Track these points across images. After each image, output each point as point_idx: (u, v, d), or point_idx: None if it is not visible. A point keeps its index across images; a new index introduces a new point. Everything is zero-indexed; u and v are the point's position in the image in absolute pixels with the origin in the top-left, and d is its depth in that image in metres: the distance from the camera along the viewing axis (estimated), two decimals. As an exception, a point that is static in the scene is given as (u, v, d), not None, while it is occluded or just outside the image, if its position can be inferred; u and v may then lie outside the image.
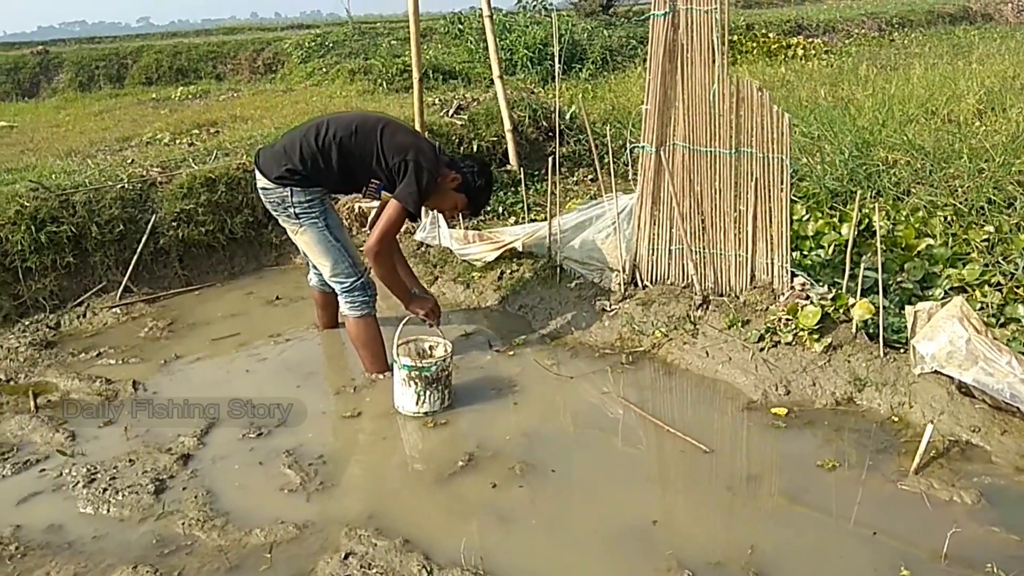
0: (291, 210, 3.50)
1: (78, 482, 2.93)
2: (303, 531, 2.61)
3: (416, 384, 3.27)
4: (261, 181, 3.54)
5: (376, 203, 3.88)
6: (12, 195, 4.72)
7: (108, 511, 2.78)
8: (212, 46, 14.01)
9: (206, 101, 10.21)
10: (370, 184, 3.55)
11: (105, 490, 2.87)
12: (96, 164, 5.59)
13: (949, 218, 4.34)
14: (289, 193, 3.47)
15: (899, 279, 3.80)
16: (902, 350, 3.26)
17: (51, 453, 3.18)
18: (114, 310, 4.64)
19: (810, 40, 13.17)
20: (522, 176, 5.22)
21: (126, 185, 5.10)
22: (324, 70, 11.38)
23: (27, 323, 4.43)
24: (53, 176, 5.19)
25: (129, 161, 5.68)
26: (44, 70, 13.33)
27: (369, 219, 5.30)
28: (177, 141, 6.76)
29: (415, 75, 5.34)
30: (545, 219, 4.55)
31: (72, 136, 7.78)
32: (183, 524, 2.67)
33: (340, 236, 3.59)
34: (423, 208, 3.93)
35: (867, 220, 4.23)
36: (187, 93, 11.01)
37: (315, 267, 3.97)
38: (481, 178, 3.70)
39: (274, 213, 3.60)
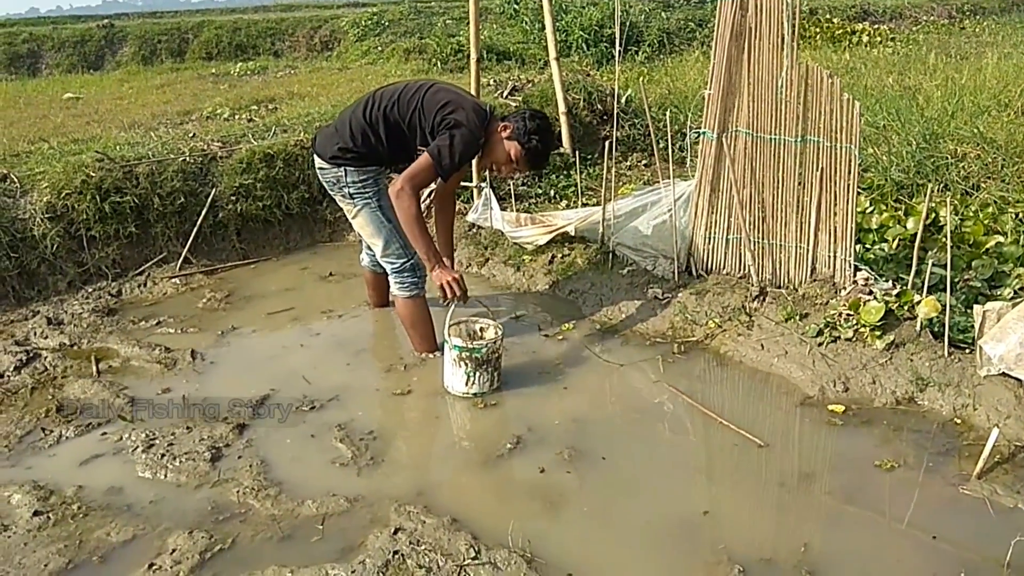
0: (346, 190, 3.53)
1: (137, 447, 3.02)
2: (354, 504, 2.65)
3: (466, 365, 3.28)
4: (317, 162, 3.59)
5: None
6: (79, 165, 4.84)
7: (166, 476, 2.86)
8: (271, 23, 14.19)
9: (264, 77, 10.34)
10: (417, 151, 3.43)
11: (163, 456, 2.95)
12: (158, 137, 5.71)
13: (1021, 215, 4.17)
14: (343, 173, 3.50)
15: (966, 277, 3.66)
16: (968, 351, 3.15)
17: (112, 417, 3.27)
18: (173, 280, 4.75)
19: (876, 26, 12.77)
20: (576, 159, 5.18)
21: (187, 158, 5.20)
22: (379, 48, 11.44)
23: (90, 290, 4.57)
24: (117, 148, 5.31)
25: (190, 135, 5.79)
26: (109, 43, 13.66)
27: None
28: (236, 116, 6.86)
29: (472, 55, 5.31)
30: (598, 203, 4.50)
31: (135, 109, 7.96)
32: (238, 492, 2.73)
33: (392, 217, 3.56)
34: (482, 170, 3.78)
35: (934, 214, 4.10)
36: (246, 69, 11.17)
37: (367, 247, 4.00)
38: (534, 122, 3.44)
39: (331, 192, 3.64)
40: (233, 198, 5.15)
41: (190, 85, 9.96)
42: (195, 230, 4.97)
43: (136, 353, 3.85)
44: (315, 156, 3.60)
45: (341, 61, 11.67)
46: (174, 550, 2.46)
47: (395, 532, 2.48)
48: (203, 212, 5.02)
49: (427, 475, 2.87)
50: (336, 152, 3.49)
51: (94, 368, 3.69)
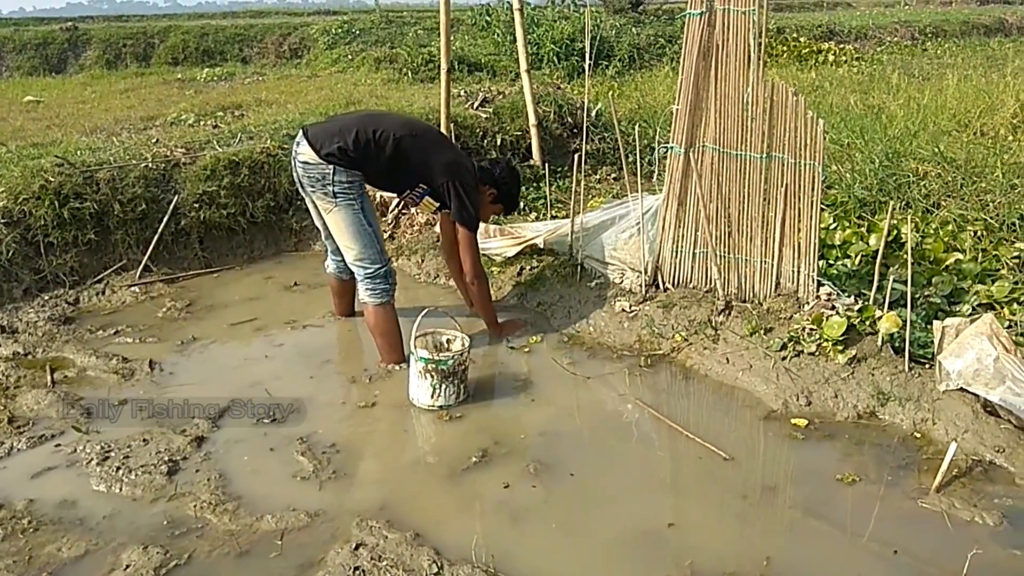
0: (330, 188, 3.49)
1: (92, 459, 2.94)
2: (314, 519, 2.60)
3: (432, 377, 3.25)
4: (305, 155, 3.51)
5: (413, 208, 3.95)
6: (37, 170, 4.74)
7: (121, 489, 2.78)
8: (239, 29, 14.05)
9: (231, 83, 10.23)
10: (416, 188, 3.71)
11: (118, 468, 2.88)
12: (121, 142, 5.60)
13: (979, 233, 4.26)
14: (332, 171, 3.47)
15: (926, 293, 3.73)
16: (928, 366, 3.20)
17: (66, 429, 3.18)
18: (133, 289, 4.65)
19: (841, 46, 13.01)
20: (545, 172, 5.19)
21: (150, 164, 5.11)
22: (350, 57, 11.38)
23: (47, 298, 4.45)
24: (78, 152, 5.20)
25: (154, 140, 5.69)
26: (72, 46, 13.42)
27: (391, 206, 5.30)
28: (201, 123, 6.76)
29: (443, 66, 5.31)
30: (567, 216, 4.51)
31: (97, 113, 7.81)
32: (195, 507, 2.67)
33: (372, 221, 3.61)
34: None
35: (896, 231, 4.17)
36: (213, 75, 11.04)
37: (334, 253, 3.96)
38: (514, 187, 4.01)
39: (310, 189, 3.57)
40: (196, 205, 5.06)
41: (155, 90, 9.81)
42: (156, 237, 4.88)
43: (93, 363, 3.76)
44: (304, 148, 3.51)
45: (311, 69, 11.58)
46: (128, 566, 2.39)
47: (356, 548, 2.44)
48: (165, 219, 4.93)
49: (390, 489, 2.82)
50: (334, 151, 3.46)
51: (49, 378, 3.59)
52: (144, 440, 3.07)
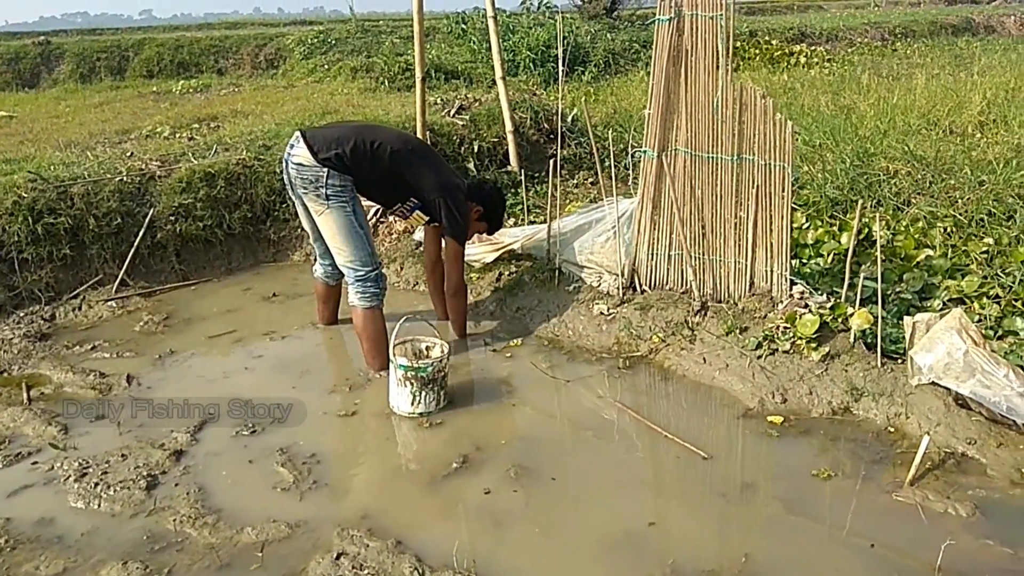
0: (323, 191, 3.52)
1: (69, 476, 2.92)
2: (295, 530, 2.60)
3: (412, 384, 3.26)
4: (301, 157, 3.53)
5: (400, 220, 4.00)
6: (10, 185, 4.70)
7: (99, 506, 2.76)
8: (214, 40, 13.97)
9: (207, 95, 10.17)
10: (408, 201, 3.78)
11: (97, 485, 2.86)
12: (95, 156, 5.57)
13: (949, 229, 4.33)
14: (325, 174, 3.51)
15: (898, 289, 3.79)
16: (900, 361, 3.25)
17: (43, 446, 3.16)
18: (110, 303, 4.62)
19: (813, 48, 13.15)
20: (522, 178, 5.21)
21: (124, 178, 5.08)
22: (326, 67, 11.35)
23: (22, 314, 4.41)
24: (51, 167, 5.16)
25: (128, 154, 5.66)
26: (45, 60, 13.27)
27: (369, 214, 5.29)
28: (177, 135, 6.73)
29: (418, 74, 5.32)
30: (544, 221, 4.54)
31: (71, 127, 7.74)
32: (175, 521, 2.66)
33: (364, 224, 3.66)
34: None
35: (867, 230, 4.23)
36: (188, 87, 10.97)
37: (323, 257, 3.97)
38: (499, 208, 4.11)
39: (301, 191, 3.58)
40: (172, 218, 5.04)
41: (130, 103, 9.73)
42: (132, 251, 4.85)
43: (70, 379, 3.73)
44: (300, 150, 3.53)
45: (287, 79, 11.54)
46: (107, 582, 2.38)
47: (338, 557, 2.44)
48: (141, 233, 4.90)
49: (371, 498, 2.83)
50: (331, 156, 3.51)
51: (25, 395, 3.56)
52: (122, 455, 3.05)
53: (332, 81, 10.43)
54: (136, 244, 4.88)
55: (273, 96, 9.22)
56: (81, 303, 4.61)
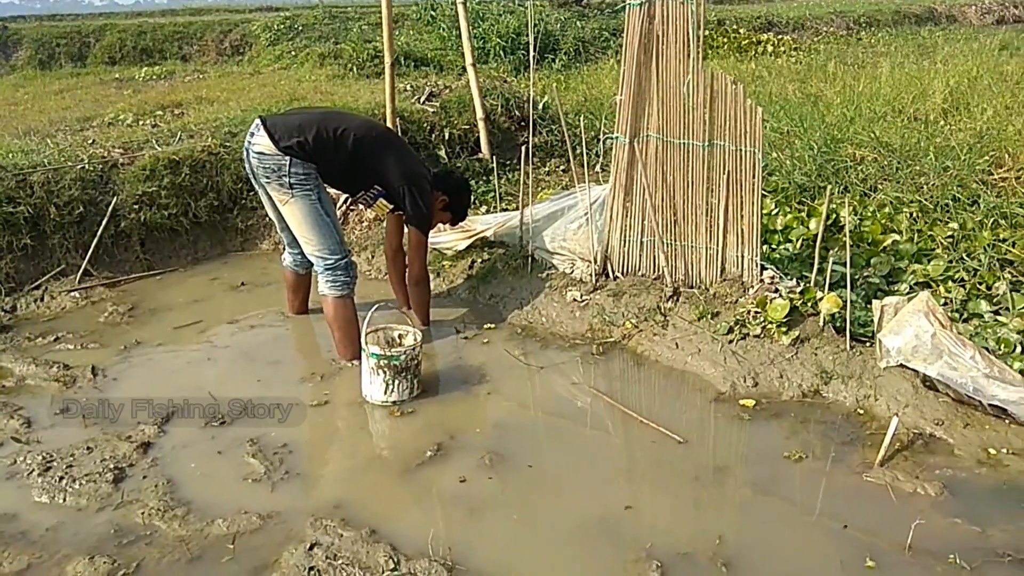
0: (285, 179, 3.45)
1: (33, 470, 2.85)
2: (267, 521, 2.56)
3: (385, 373, 3.23)
4: (262, 145, 3.45)
5: (366, 208, 3.95)
6: (-34, 174, 4.56)
7: (64, 500, 2.70)
8: (178, 27, 13.68)
9: (171, 82, 9.97)
10: (371, 189, 3.71)
11: (62, 478, 2.79)
12: (56, 144, 5.41)
13: (915, 214, 4.40)
14: (288, 162, 3.43)
15: (865, 274, 3.84)
16: (868, 344, 3.30)
17: (5, 440, 3.08)
18: (73, 294, 4.51)
19: (780, 37, 13.26)
20: (494, 165, 5.19)
21: (86, 166, 4.96)
22: (293, 53, 11.18)
23: (-19, 306, 4.29)
24: (10, 155, 5.01)
25: (90, 141, 5.51)
26: (2, 46, 12.91)
27: (339, 202, 5.23)
28: (140, 122, 6.57)
29: (387, 60, 5.26)
30: (517, 208, 4.52)
31: (31, 115, 7.53)
32: (143, 514, 2.61)
33: (331, 211, 3.59)
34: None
35: (835, 215, 4.27)
36: (151, 74, 10.74)
37: (291, 246, 3.91)
38: (465, 198, 4.09)
39: (264, 180, 3.51)
40: (136, 207, 4.93)
41: (92, 90, 9.50)
42: (95, 241, 4.74)
43: (32, 371, 3.64)
44: (260, 139, 3.45)
45: (253, 66, 11.34)
46: (73, 577, 2.32)
47: (311, 547, 2.41)
48: (104, 222, 4.78)
49: (345, 487, 2.80)
50: (293, 144, 3.43)
51: (-15, 389, 3.47)
52: (88, 448, 2.98)
53: (299, 68, 10.27)
54: (99, 233, 4.76)
55: (239, 83, 9.06)
56: (43, 294, 4.49)
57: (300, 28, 12.50)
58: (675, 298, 3.81)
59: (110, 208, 4.84)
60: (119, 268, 4.86)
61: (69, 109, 7.75)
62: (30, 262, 4.61)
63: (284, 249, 4.05)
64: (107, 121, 6.71)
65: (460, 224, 4.42)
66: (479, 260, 4.54)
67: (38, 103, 8.49)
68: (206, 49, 13.10)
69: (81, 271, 4.65)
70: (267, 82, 8.96)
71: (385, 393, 3.26)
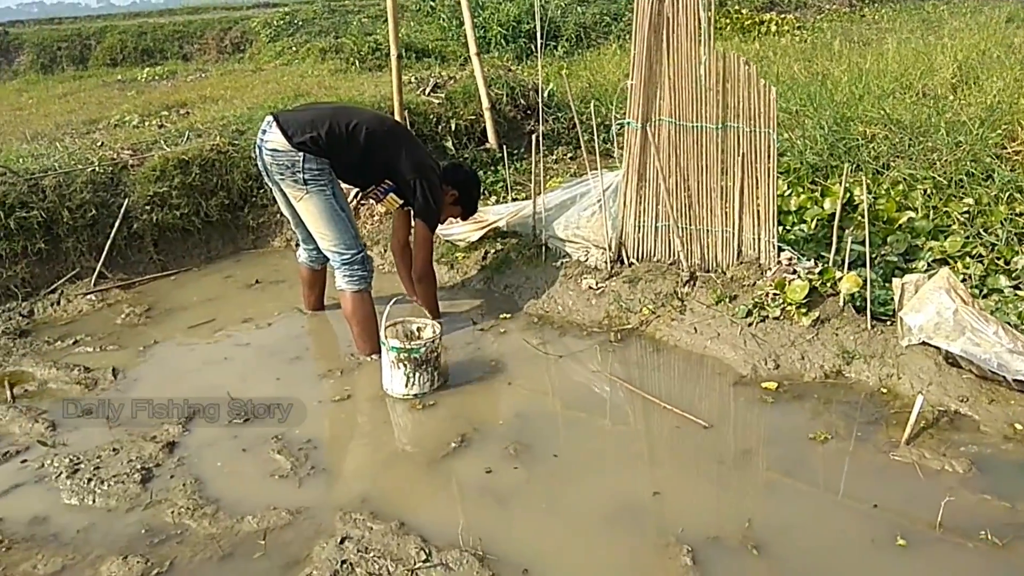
0: (300, 175, 3.44)
1: (61, 473, 2.87)
2: (296, 516, 2.57)
3: (405, 366, 3.23)
4: (275, 142, 3.44)
5: (376, 203, 3.95)
6: (-23, 180, 4.57)
7: (94, 502, 2.72)
8: (178, 26, 13.69)
9: (174, 82, 9.98)
10: (382, 183, 3.70)
11: (90, 480, 2.81)
12: (64, 147, 5.43)
13: (929, 191, 4.37)
14: (302, 159, 3.42)
15: (882, 252, 3.82)
16: (889, 323, 3.28)
17: (31, 444, 3.10)
18: (89, 297, 4.53)
19: (783, 16, 13.15)
20: (503, 155, 5.17)
21: (97, 168, 4.96)
22: (294, 49, 11.17)
23: (-1, 311, 4.31)
24: (20, 160, 5.03)
25: (99, 144, 5.53)
26: (4, 52, 12.94)
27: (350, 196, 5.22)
28: (146, 123, 6.58)
29: (393, 53, 5.24)
30: (527, 197, 4.51)
31: (36, 119, 7.55)
32: (172, 513, 2.62)
33: (345, 206, 3.59)
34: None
35: (849, 194, 4.25)
36: (154, 74, 10.75)
37: (306, 242, 3.92)
38: (475, 191, 4.07)
39: (278, 177, 3.50)
40: (148, 208, 4.94)
41: (95, 93, 9.52)
42: (109, 243, 4.75)
43: (53, 375, 3.65)
44: (274, 136, 3.44)
45: (254, 63, 11.34)
46: (108, 578, 2.34)
47: (342, 541, 2.42)
48: (116, 224, 4.80)
49: (371, 481, 2.81)
50: (307, 140, 3.42)
51: (8, 393, 3.49)
52: (114, 449, 3.00)
53: (301, 63, 10.26)
54: (112, 235, 4.78)
55: (242, 80, 9.06)
56: (59, 297, 4.50)
57: (300, 23, 12.49)
58: (692, 283, 3.80)
59: (122, 210, 4.85)
60: (133, 269, 4.88)
61: (74, 112, 7.77)
62: (45, 266, 4.63)
63: (298, 245, 4.05)
64: (113, 123, 6.72)
65: (472, 216, 4.41)
66: (492, 251, 4.53)
67: (43, 107, 8.52)
68: (207, 48, 13.11)
69: (96, 274, 4.67)
70: (270, 79, 8.95)
71: (406, 386, 3.27)
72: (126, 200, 4.90)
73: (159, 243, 5.02)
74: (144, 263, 4.95)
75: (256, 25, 12.85)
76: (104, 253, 4.73)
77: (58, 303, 4.46)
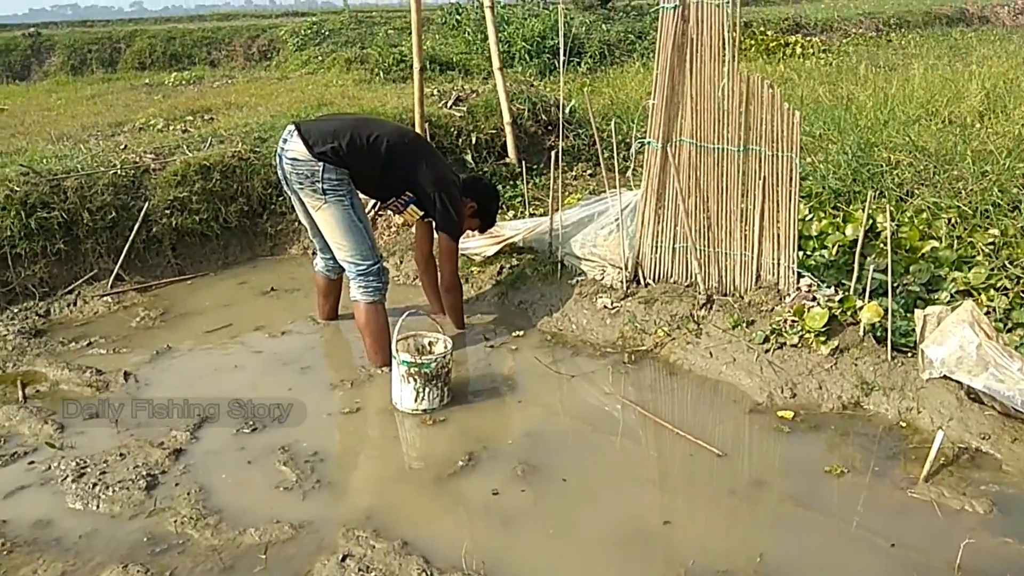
0: (319, 185, 3.44)
1: (67, 476, 2.85)
2: (299, 531, 2.54)
3: (415, 380, 3.20)
4: (296, 151, 3.44)
5: (396, 215, 3.96)
6: (2, 179, 4.61)
7: (98, 507, 2.70)
8: (206, 32, 13.86)
9: (200, 87, 10.07)
10: (403, 196, 3.71)
11: (95, 485, 2.80)
12: (88, 149, 5.48)
13: (953, 220, 4.29)
14: (321, 168, 3.43)
15: (904, 281, 3.75)
16: (910, 354, 3.21)
17: (39, 445, 3.09)
18: (105, 299, 4.54)
19: (808, 39, 13.10)
20: (521, 169, 5.15)
21: (119, 171, 5.00)
22: (320, 58, 11.25)
23: (16, 311, 4.33)
24: (44, 161, 5.08)
25: (122, 147, 5.57)
26: (35, 53, 13.15)
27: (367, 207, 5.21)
28: (171, 127, 6.64)
29: (416, 65, 5.25)
30: (545, 213, 4.48)
31: (63, 120, 7.64)
32: (175, 522, 2.60)
33: (363, 217, 3.59)
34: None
35: (872, 221, 4.18)
36: (181, 79, 10.87)
37: (323, 251, 3.91)
38: (493, 204, 4.05)
39: (297, 186, 3.51)
40: (167, 212, 4.97)
41: (122, 96, 9.63)
42: (127, 246, 4.77)
43: (65, 376, 3.66)
44: (295, 144, 3.44)
45: (280, 71, 11.44)
46: (107, 586, 2.32)
47: (343, 559, 2.39)
48: (136, 227, 4.82)
49: (376, 497, 2.77)
50: (327, 150, 3.43)
51: (20, 393, 3.49)
52: (121, 454, 2.98)
53: (326, 73, 10.33)
54: (131, 238, 4.80)
55: (267, 88, 9.13)
56: (76, 298, 4.53)
57: (327, 33, 12.59)
58: (708, 306, 3.75)
59: (142, 213, 4.88)
60: (151, 273, 4.90)
61: (101, 114, 7.86)
62: (63, 267, 4.66)
63: (315, 254, 4.05)
64: (138, 126, 6.78)
65: (489, 230, 4.39)
66: (508, 266, 4.50)
67: (70, 108, 8.62)
68: (234, 54, 13.26)
69: (113, 276, 4.69)
70: (295, 87, 9.02)
71: (416, 401, 3.24)
72: (146, 203, 4.93)
73: (177, 247, 5.05)
74: (161, 267, 4.97)
75: (284, 34, 12.99)
76: (122, 255, 4.75)
77: (74, 304, 4.48)
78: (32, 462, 2.98)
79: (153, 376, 3.67)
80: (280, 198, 5.28)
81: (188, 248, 5.09)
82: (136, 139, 5.99)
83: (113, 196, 4.85)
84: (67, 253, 4.66)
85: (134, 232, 4.81)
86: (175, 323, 4.30)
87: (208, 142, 5.63)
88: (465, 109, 6.38)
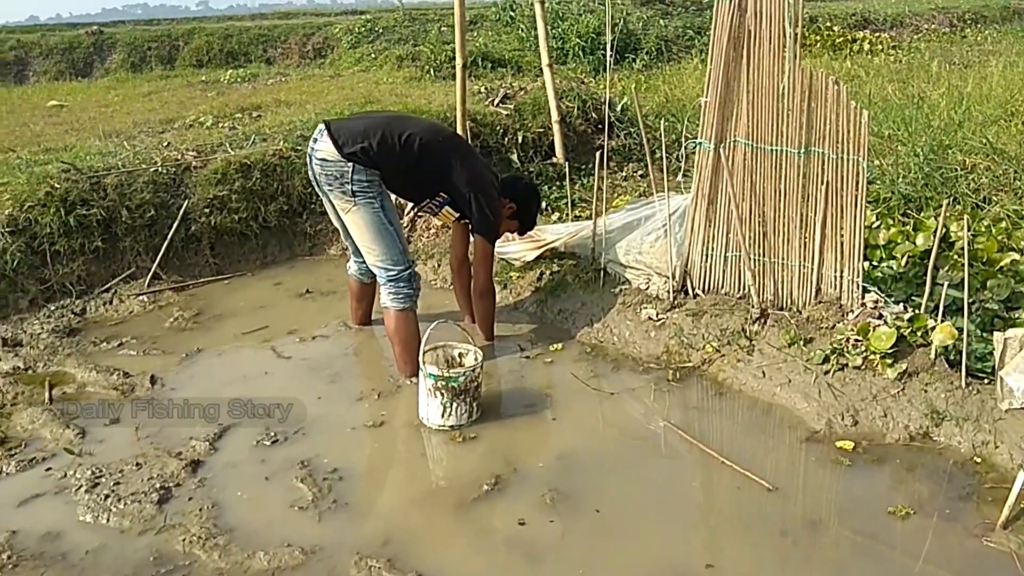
0: (348, 187, 3.31)
1: (81, 486, 2.76)
2: (309, 557, 2.39)
3: (443, 395, 3.03)
4: (326, 152, 3.33)
5: (432, 216, 3.81)
6: (43, 176, 4.61)
7: (108, 520, 2.60)
8: (263, 30, 13.97)
9: (254, 84, 10.11)
10: (437, 197, 3.57)
11: (107, 496, 2.70)
12: (132, 146, 5.46)
13: (1037, 231, 3.92)
14: (351, 169, 3.30)
15: (980, 298, 3.41)
16: (987, 381, 2.90)
17: (59, 451, 3.02)
18: (141, 298, 4.49)
19: (877, 34, 12.53)
20: (567, 170, 4.93)
21: (159, 169, 4.96)
22: (373, 56, 11.22)
23: (52, 308, 4.30)
24: (88, 157, 5.07)
25: (165, 144, 5.54)
26: (98, 50, 13.43)
27: (407, 208, 5.07)
28: (219, 125, 6.61)
29: (458, 62, 5.09)
30: (590, 216, 4.26)
31: (118, 117, 7.71)
32: (184, 540, 2.47)
33: (394, 220, 3.45)
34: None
35: (945, 230, 3.84)
36: (236, 76, 10.93)
37: (355, 254, 3.78)
38: (533, 205, 3.89)
39: (327, 187, 3.39)
40: (207, 210, 4.91)
41: (178, 93, 9.72)
42: (166, 244, 4.72)
43: (93, 378, 3.59)
44: (324, 145, 3.33)
45: (334, 68, 11.43)
46: (107, 609, 2.20)
47: (353, 590, 2.22)
48: (175, 225, 4.77)
49: (394, 522, 2.59)
50: (357, 150, 3.30)
51: (47, 395, 3.44)
52: (137, 464, 2.88)
53: (378, 70, 10.27)
54: (170, 237, 4.75)
55: (318, 86, 9.10)
56: (112, 297, 4.49)
57: (380, 31, 12.55)
58: (762, 320, 3.47)
59: (181, 211, 4.82)
60: (188, 272, 4.84)
61: (154, 111, 7.91)
62: (101, 265, 4.62)
63: (350, 257, 3.92)
64: (187, 123, 6.78)
65: (529, 233, 4.19)
66: (548, 272, 4.29)
67: (126, 105, 8.71)
68: (289, 52, 13.32)
69: (151, 275, 4.64)
70: (345, 84, 8.97)
71: (443, 416, 3.06)
72: (186, 202, 4.88)
73: (215, 246, 4.98)
74: (199, 266, 4.91)
75: (338, 31, 12.99)
76: (160, 254, 4.70)
77: (110, 303, 4.44)
78: (49, 469, 2.90)
79: (180, 380, 3.58)
80: (319, 197, 5.16)
81: (226, 247, 5.02)
82: (182, 136, 5.96)
83: (152, 194, 4.81)
84: (105, 251, 4.62)
85: (173, 230, 4.76)
86: (209, 324, 4.21)
87: (251, 140, 5.56)
88: (512, 107, 6.19)
